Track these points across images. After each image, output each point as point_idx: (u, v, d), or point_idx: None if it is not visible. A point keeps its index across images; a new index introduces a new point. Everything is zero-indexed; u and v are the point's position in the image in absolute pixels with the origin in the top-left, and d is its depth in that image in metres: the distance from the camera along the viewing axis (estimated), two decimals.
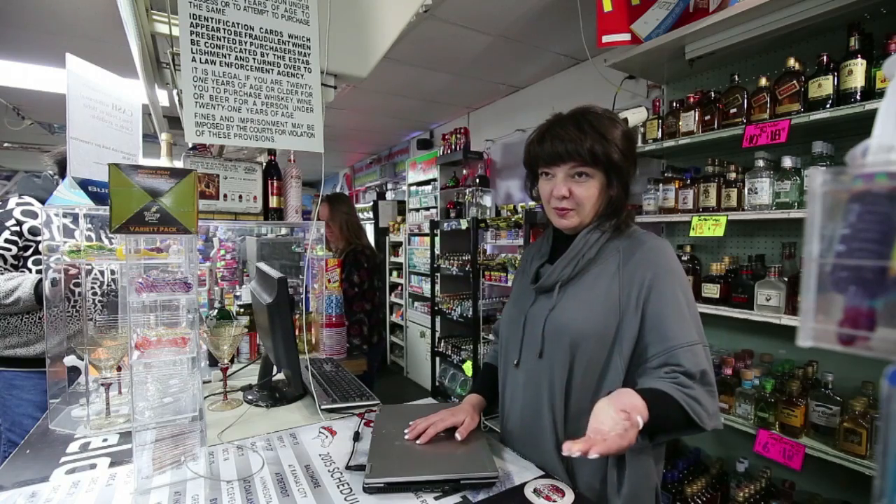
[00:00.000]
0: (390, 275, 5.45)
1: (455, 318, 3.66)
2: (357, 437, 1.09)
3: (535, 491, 0.87)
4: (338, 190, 7.69)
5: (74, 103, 1.21)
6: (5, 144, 5.06)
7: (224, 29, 1.15)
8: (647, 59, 2.03)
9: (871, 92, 1.43)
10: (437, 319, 4.09)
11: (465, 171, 4.24)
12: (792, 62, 1.61)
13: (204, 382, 1.35)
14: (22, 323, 1.67)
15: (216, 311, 1.81)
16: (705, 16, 1.74)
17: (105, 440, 1.11)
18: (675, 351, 0.88)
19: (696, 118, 1.90)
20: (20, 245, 1.64)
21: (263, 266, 1.49)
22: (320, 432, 1.15)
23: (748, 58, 1.97)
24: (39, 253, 1.66)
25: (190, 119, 1.11)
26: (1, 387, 1.67)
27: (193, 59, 1.11)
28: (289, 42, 1.24)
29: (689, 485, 1.82)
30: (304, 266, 1.98)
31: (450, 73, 3.38)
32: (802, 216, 1.53)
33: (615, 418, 0.74)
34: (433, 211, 4.55)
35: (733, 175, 1.79)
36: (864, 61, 1.43)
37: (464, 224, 3.53)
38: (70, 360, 1.24)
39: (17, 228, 1.63)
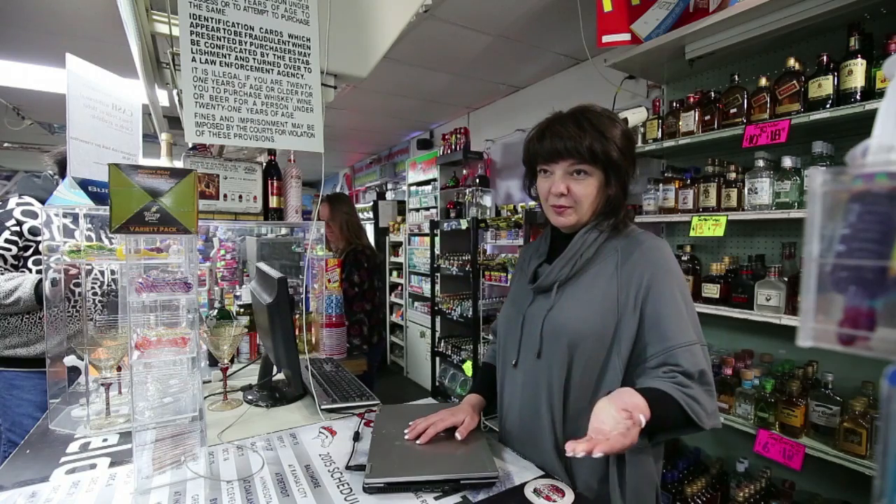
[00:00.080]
0: (390, 275, 5.45)
1: (455, 318, 3.66)
2: (357, 437, 1.09)
3: (535, 491, 0.87)
4: (338, 190, 7.69)
5: (74, 103, 1.21)
6: (5, 144, 5.07)
7: (224, 29, 1.15)
8: (647, 59, 2.03)
9: (871, 92, 1.43)
10: (437, 319, 4.09)
11: (465, 171, 4.24)
12: (792, 62, 1.61)
13: (204, 382, 1.35)
14: (22, 323, 1.67)
15: (216, 311, 1.81)
16: (705, 16, 1.74)
17: (105, 440, 1.11)
18: (673, 351, 0.88)
19: (696, 118, 1.90)
20: (20, 245, 1.64)
21: (263, 266, 1.49)
22: (320, 432, 1.15)
23: (748, 58, 1.97)
24: (39, 253, 1.66)
25: (190, 119, 1.11)
26: (1, 387, 1.67)
27: (193, 59, 1.11)
28: (289, 42, 1.24)
29: (689, 485, 1.82)
30: (304, 266, 1.98)
31: (450, 73, 3.38)
32: (802, 216, 1.53)
33: (616, 417, 0.74)
34: (433, 211, 4.55)
35: (733, 175, 1.79)
36: (864, 61, 1.43)
37: (464, 224, 3.53)
38: (70, 360, 1.24)
39: (18, 228, 1.63)
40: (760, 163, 1.68)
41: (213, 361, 1.57)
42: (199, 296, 1.59)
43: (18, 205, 1.67)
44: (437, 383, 4.05)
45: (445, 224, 3.78)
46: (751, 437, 1.65)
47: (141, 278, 0.88)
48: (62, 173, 1.71)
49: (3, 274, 1.61)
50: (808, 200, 0.31)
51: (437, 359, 4.05)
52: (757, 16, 1.65)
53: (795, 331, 0.31)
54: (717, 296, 1.81)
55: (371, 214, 5.60)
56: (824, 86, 1.51)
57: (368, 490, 0.86)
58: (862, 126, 1.50)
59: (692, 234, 1.82)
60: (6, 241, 1.62)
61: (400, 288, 5.28)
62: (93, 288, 1.76)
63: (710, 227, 1.77)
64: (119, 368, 1.22)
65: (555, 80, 3.45)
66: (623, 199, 0.99)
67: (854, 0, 1.46)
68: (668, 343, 0.88)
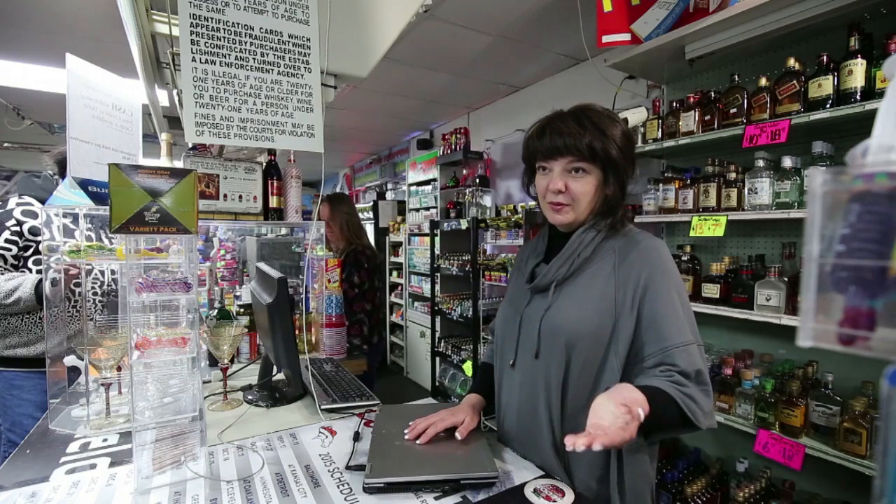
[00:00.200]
0: (390, 275, 5.45)
1: (455, 318, 3.66)
2: (357, 437, 1.09)
3: (535, 491, 0.87)
4: (338, 190, 7.69)
5: (74, 103, 1.21)
6: (5, 144, 5.07)
7: (224, 29, 1.15)
8: (647, 59, 2.03)
9: (871, 92, 1.43)
10: (437, 319, 4.09)
11: (465, 171, 4.24)
12: (792, 62, 1.61)
13: (204, 382, 1.35)
14: (22, 323, 1.67)
15: (216, 311, 1.81)
16: (705, 16, 1.74)
17: (105, 440, 1.11)
18: (670, 351, 0.88)
19: (696, 118, 1.90)
20: (20, 245, 1.64)
21: (263, 266, 1.49)
22: (320, 432, 1.15)
23: (748, 58, 1.97)
24: (39, 253, 1.66)
25: (190, 119, 1.11)
26: (1, 387, 1.67)
27: (193, 59, 1.11)
28: (289, 42, 1.24)
29: (689, 485, 1.82)
30: (304, 266, 1.98)
31: (450, 73, 3.38)
32: (802, 216, 1.53)
33: (615, 412, 0.74)
34: (433, 211, 4.55)
35: (733, 175, 1.79)
36: (864, 61, 1.43)
37: (464, 224, 3.53)
38: (70, 360, 1.24)
39: (18, 228, 1.63)
40: (760, 163, 1.68)
41: (213, 361, 1.57)
42: (199, 296, 1.59)
43: (18, 205, 1.67)
44: (437, 383, 4.05)
45: (445, 224, 3.78)
46: (751, 437, 1.65)
47: (141, 278, 0.88)
48: (62, 173, 1.71)
49: (3, 274, 1.61)
50: (808, 200, 0.31)
51: (437, 359, 4.05)
52: (757, 16, 1.65)
53: (795, 331, 0.31)
54: (717, 296, 1.81)
55: (371, 214, 5.60)
56: (824, 86, 1.51)
57: (368, 490, 0.86)
58: (862, 126, 1.50)
59: (692, 234, 1.82)
60: (6, 241, 1.62)
61: (400, 288, 5.28)
62: (93, 288, 1.76)
63: (710, 227, 1.77)
64: (119, 368, 1.22)
65: (555, 80, 3.45)
66: (621, 198, 0.99)
67: (854, 0, 1.46)
68: (664, 343, 0.89)
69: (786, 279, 1.63)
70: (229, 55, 1.16)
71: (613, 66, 2.13)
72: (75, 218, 1.65)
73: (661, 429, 0.89)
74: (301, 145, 1.26)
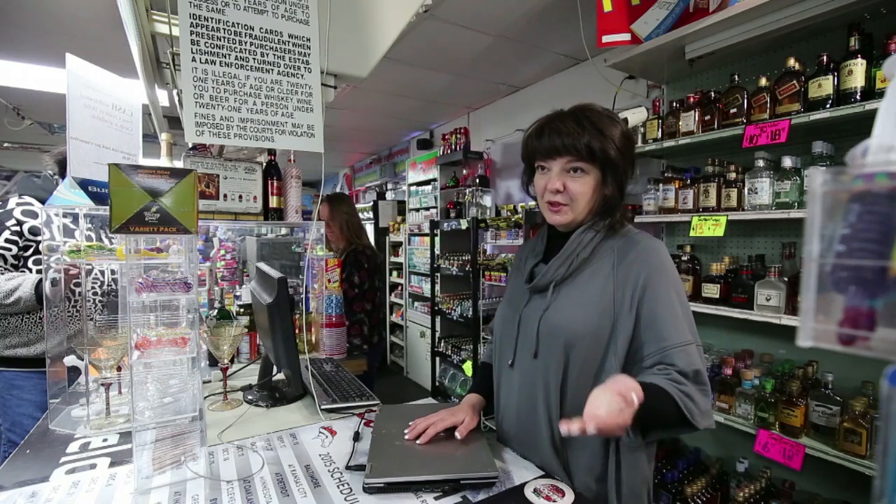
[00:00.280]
0: (390, 275, 5.45)
1: (455, 318, 3.66)
2: (357, 437, 1.09)
3: (535, 491, 0.87)
4: (338, 190, 7.69)
5: (74, 103, 1.21)
6: (5, 144, 5.07)
7: (224, 29, 1.15)
8: (647, 59, 2.03)
9: (871, 92, 1.43)
10: (437, 319, 4.09)
11: (465, 171, 4.24)
12: (792, 62, 1.61)
13: (204, 382, 1.35)
14: (22, 323, 1.67)
15: (216, 311, 1.81)
16: (705, 16, 1.74)
17: (105, 440, 1.11)
18: (668, 351, 0.88)
19: (696, 118, 1.90)
20: (20, 245, 1.64)
21: (263, 266, 1.49)
22: (320, 432, 1.15)
23: (748, 58, 1.97)
24: (40, 253, 1.66)
25: (190, 119, 1.11)
26: (1, 387, 1.67)
27: (193, 59, 1.11)
28: (289, 42, 1.24)
29: (689, 485, 1.82)
30: (304, 266, 1.98)
31: (450, 73, 3.38)
32: (802, 216, 1.53)
33: (612, 402, 0.74)
34: (433, 211, 4.55)
35: (733, 175, 1.79)
36: (864, 61, 1.43)
37: (464, 224, 3.53)
38: (70, 360, 1.24)
39: (18, 228, 1.63)
40: (760, 163, 1.68)
41: (213, 361, 1.57)
42: (199, 296, 1.59)
43: (18, 205, 1.67)
44: (437, 383, 4.05)
45: (445, 224, 3.78)
46: (751, 437, 1.65)
47: (141, 278, 0.88)
48: (62, 173, 1.71)
49: (3, 274, 1.61)
50: (808, 200, 0.31)
51: (437, 359, 4.05)
52: (757, 16, 1.65)
53: (795, 331, 0.31)
54: (717, 296, 1.81)
55: (371, 214, 5.60)
56: (824, 86, 1.51)
57: (368, 490, 0.86)
58: (862, 126, 1.50)
59: (692, 234, 1.82)
60: (6, 240, 1.62)
61: (400, 288, 5.28)
62: (93, 288, 1.76)
63: (710, 227, 1.77)
64: (119, 368, 1.22)
65: (555, 80, 3.45)
66: (620, 199, 0.99)
67: (854, 0, 1.46)
68: (663, 343, 0.89)
69: (786, 279, 1.63)
70: (229, 55, 1.16)
71: (613, 66, 2.13)
72: (75, 218, 1.65)
73: (658, 426, 0.89)
74: (301, 145, 1.26)
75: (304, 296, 2.07)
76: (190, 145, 1.62)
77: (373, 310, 2.62)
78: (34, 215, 1.66)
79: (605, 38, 1.95)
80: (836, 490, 1.69)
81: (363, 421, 1.18)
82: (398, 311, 5.29)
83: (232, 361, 1.46)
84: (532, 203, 2.96)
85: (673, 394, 0.83)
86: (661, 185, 2.03)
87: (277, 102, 1.22)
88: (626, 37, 1.93)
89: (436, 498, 0.85)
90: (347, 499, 0.85)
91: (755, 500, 1.70)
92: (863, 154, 0.35)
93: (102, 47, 2.83)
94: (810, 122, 1.53)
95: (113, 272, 1.81)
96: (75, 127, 1.20)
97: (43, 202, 1.61)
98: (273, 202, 1.75)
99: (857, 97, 1.44)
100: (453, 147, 4.18)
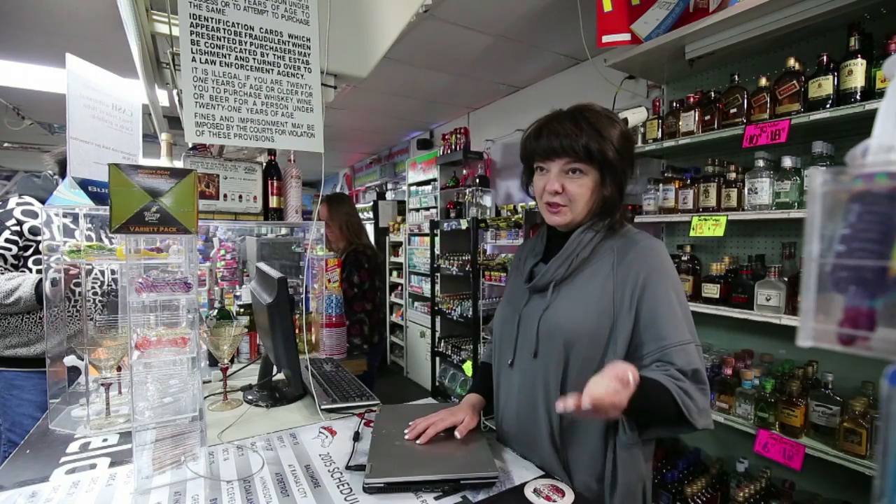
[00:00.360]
0: (390, 275, 5.45)
1: (455, 318, 3.66)
2: (357, 437, 1.09)
3: (535, 491, 0.87)
4: (338, 190, 7.69)
5: (74, 103, 1.21)
6: (5, 144, 5.07)
7: (224, 29, 1.15)
8: (647, 59, 2.03)
9: (871, 92, 1.43)
10: (437, 319, 4.09)
11: (465, 171, 4.24)
12: (792, 62, 1.61)
13: (204, 382, 1.35)
14: (22, 323, 1.67)
15: (216, 311, 1.81)
16: (705, 16, 1.74)
17: (105, 440, 1.11)
18: (668, 350, 0.88)
19: (696, 118, 1.90)
20: (20, 245, 1.64)
21: (263, 266, 1.49)
22: (320, 432, 1.15)
23: (748, 58, 1.97)
24: (40, 253, 1.66)
25: (190, 119, 1.11)
26: (1, 387, 1.67)
27: (193, 59, 1.11)
28: (289, 42, 1.24)
29: (689, 485, 1.82)
30: (304, 266, 1.98)
31: (450, 73, 3.38)
32: (802, 216, 1.53)
33: (610, 385, 0.74)
34: (433, 211, 4.55)
35: (733, 175, 1.79)
36: (864, 61, 1.43)
37: (464, 224, 3.53)
38: (70, 360, 1.24)
39: (18, 228, 1.63)
40: (760, 163, 1.68)
41: (213, 361, 1.57)
42: (199, 296, 1.59)
43: (18, 204, 1.67)
44: (437, 383, 4.05)
45: (445, 224, 3.78)
46: (751, 437, 1.65)
47: (141, 278, 0.88)
48: (62, 173, 1.71)
49: (3, 274, 1.61)
50: (808, 200, 0.31)
51: (437, 359, 4.05)
52: (757, 16, 1.65)
53: (795, 331, 0.31)
54: (717, 296, 1.81)
55: (371, 214, 5.60)
56: (824, 86, 1.51)
57: (368, 490, 0.86)
58: (862, 126, 1.50)
59: (692, 234, 1.82)
60: (6, 240, 1.62)
61: (400, 288, 5.28)
62: (93, 288, 1.76)
63: (710, 227, 1.77)
64: (119, 368, 1.22)
65: (555, 80, 3.45)
66: (619, 199, 0.99)
67: (854, 0, 1.46)
68: (662, 342, 0.89)
69: (786, 279, 1.63)
70: (229, 55, 1.16)
71: (613, 66, 2.13)
72: (75, 218, 1.65)
73: (655, 420, 0.90)
74: (301, 145, 1.26)
75: (304, 296, 2.07)
76: (190, 145, 1.62)
77: (373, 310, 2.62)
78: (34, 215, 1.66)
79: (605, 38, 1.95)
80: (836, 490, 1.69)
81: (363, 421, 1.18)
82: (398, 311, 5.29)
83: (232, 361, 1.46)
84: (532, 203, 2.96)
85: (671, 389, 0.83)
86: (661, 185, 2.03)
87: (277, 102, 1.22)
88: (626, 37, 1.93)
89: (436, 498, 0.85)
90: (347, 499, 0.85)
91: (755, 500, 1.70)
92: (863, 154, 0.35)
93: (102, 47, 2.83)
94: (810, 122, 1.53)
95: (113, 272, 1.81)
96: (75, 127, 1.20)
97: (43, 202, 1.61)
98: (273, 202, 1.75)
99: (857, 97, 1.44)
100: (453, 147, 4.18)
